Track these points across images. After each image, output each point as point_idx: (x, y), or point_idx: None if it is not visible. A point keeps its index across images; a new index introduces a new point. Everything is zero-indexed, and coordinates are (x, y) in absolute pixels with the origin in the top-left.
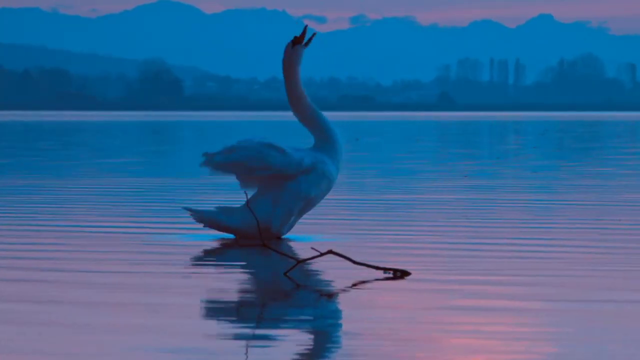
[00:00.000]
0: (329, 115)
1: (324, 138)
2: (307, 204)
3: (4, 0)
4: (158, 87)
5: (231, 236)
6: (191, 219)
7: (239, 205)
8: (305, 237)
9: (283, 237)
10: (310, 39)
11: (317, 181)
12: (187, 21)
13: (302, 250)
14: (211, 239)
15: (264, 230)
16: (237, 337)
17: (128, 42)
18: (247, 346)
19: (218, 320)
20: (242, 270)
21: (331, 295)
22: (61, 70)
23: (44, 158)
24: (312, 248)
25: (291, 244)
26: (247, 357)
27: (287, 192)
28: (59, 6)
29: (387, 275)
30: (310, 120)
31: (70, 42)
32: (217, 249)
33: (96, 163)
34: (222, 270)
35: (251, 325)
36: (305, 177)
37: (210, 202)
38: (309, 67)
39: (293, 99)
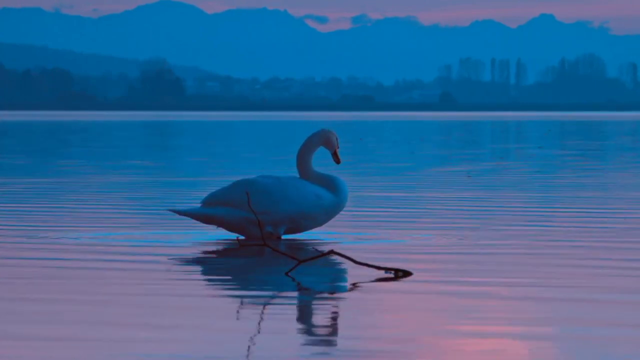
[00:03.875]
0: (330, 115)
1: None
2: (296, 225)
3: (5, 0)
4: (159, 87)
5: (230, 235)
6: (185, 219)
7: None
8: (306, 236)
9: (283, 237)
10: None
11: (315, 212)
12: (189, 21)
13: (303, 250)
14: (211, 238)
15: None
16: (238, 336)
17: (129, 42)
18: (248, 345)
19: (218, 319)
20: (242, 270)
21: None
22: (62, 70)
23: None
24: (314, 248)
25: (293, 243)
26: (247, 356)
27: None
28: (61, 6)
29: (388, 275)
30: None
31: (72, 42)
32: (218, 248)
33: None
34: (223, 269)
35: (252, 324)
36: (305, 204)
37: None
38: (311, 67)
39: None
